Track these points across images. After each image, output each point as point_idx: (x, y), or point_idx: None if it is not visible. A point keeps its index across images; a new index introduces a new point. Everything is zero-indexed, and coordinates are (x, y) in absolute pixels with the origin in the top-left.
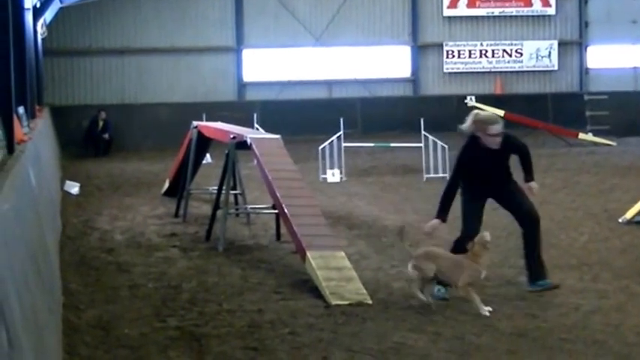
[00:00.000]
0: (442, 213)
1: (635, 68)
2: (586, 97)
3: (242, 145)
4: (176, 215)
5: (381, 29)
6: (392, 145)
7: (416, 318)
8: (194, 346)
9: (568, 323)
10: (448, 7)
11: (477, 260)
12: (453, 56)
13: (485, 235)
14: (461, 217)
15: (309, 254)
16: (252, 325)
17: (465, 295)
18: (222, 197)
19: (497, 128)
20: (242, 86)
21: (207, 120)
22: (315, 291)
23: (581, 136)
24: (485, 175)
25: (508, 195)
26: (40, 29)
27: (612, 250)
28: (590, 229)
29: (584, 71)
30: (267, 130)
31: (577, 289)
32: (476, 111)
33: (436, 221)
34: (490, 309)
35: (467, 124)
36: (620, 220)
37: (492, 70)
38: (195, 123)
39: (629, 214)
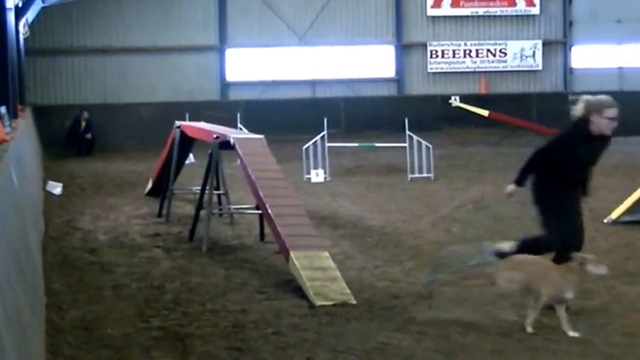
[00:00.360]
0: (522, 180)
1: (619, 68)
2: (570, 97)
3: (225, 145)
4: (159, 215)
5: (365, 29)
6: (376, 145)
7: (400, 317)
8: (178, 346)
9: (553, 323)
10: (432, 7)
11: (569, 276)
12: (437, 56)
13: (600, 270)
14: (550, 222)
15: (292, 254)
16: (236, 326)
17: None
18: (206, 197)
19: (615, 111)
20: (225, 86)
21: (190, 120)
22: (299, 291)
23: None
24: (577, 169)
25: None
26: (22, 29)
27: (598, 251)
28: None
29: (568, 71)
30: (251, 129)
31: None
32: (587, 95)
33: (513, 186)
34: (577, 334)
35: (579, 106)
36: (605, 221)
37: (476, 69)
38: (177, 123)
39: (615, 215)
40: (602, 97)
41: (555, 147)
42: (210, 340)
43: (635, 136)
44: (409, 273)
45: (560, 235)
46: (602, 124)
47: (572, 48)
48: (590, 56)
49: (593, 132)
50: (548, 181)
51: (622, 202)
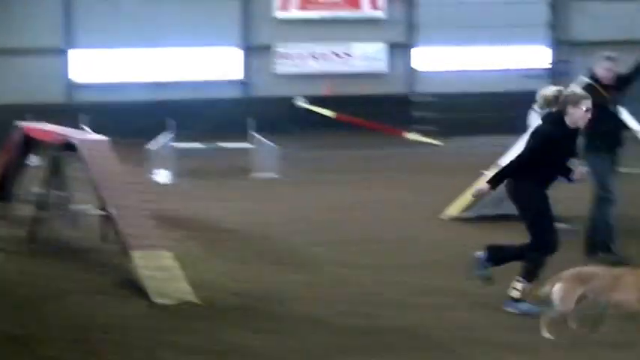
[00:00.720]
0: (496, 183)
1: (463, 71)
2: (415, 99)
3: (69, 146)
4: (1, 218)
5: (212, 31)
6: (222, 145)
7: (251, 317)
8: (23, 350)
9: (404, 323)
10: (279, 10)
11: None
12: (285, 58)
13: None
14: (535, 222)
15: (133, 254)
16: (81, 328)
17: None
18: (48, 199)
19: (590, 103)
20: (71, 87)
21: (35, 122)
22: (144, 291)
23: (408, 135)
24: (560, 163)
25: None
26: None
27: (433, 244)
28: (416, 227)
29: (413, 73)
30: (98, 132)
31: (423, 288)
32: (558, 87)
33: (487, 186)
34: None
35: (549, 96)
36: (442, 217)
37: (323, 72)
38: (20, 124)
39: (452, 211)
40: (576, 89)
41: (542, 145)
42: (56, 344)
43: (477, 136)
44: (259, 273)
45: (545, 234)
46: (577, 115)
47: (417, 51)
48: (434, 59)
49: (569, 124)
50: (531, 178)
51: (458, 199)
